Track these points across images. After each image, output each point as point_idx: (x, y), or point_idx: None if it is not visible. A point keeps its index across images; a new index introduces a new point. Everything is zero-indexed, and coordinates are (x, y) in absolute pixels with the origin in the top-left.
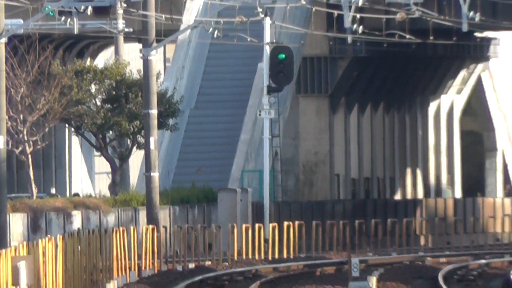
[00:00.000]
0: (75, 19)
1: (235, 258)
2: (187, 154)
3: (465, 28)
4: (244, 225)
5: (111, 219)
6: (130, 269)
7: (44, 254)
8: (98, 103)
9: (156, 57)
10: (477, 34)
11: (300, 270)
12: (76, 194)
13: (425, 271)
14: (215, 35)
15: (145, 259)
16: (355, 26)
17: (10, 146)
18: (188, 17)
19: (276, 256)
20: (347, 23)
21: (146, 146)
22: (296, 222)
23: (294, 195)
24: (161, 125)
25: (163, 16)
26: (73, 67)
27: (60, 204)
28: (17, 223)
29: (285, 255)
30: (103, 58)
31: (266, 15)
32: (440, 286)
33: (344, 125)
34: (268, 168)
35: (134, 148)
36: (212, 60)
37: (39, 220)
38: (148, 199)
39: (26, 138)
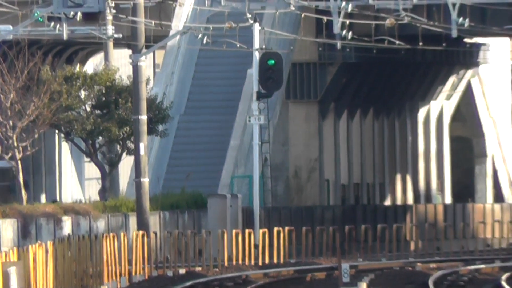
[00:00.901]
0: (64, 25)
1: (225, 263)
2: (176, 160)
3: (454, 34)
4: (234, 231)
5: (101, 224)
6: (120, 274)
7: (34, 259)
8: (88, 109)
9: (146, 63)
10: (467, 40)
11: (290, 275)
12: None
13: (415, 277)
14: (204, 41)
15: (136, 264)
16: (344, 32)
17: None
18: (177, 23)
19: (266, 261)
20: (337, 29)
21: (135, 152)
22: (286, 228)
23: (283, 201)
24: (151, 131)
25: (152, 22)
26: (63, 73)
27: (50, 209)
28: (7, 229)
29: (275, 261)
30: (93, 64)
31: (255, 21)
32: None
33: (333, 131)
34: (258, 174)
35: (124, 154)
36: (202, 66)
37: (29, 225)
38: (138, 204)
39: (15, 144)
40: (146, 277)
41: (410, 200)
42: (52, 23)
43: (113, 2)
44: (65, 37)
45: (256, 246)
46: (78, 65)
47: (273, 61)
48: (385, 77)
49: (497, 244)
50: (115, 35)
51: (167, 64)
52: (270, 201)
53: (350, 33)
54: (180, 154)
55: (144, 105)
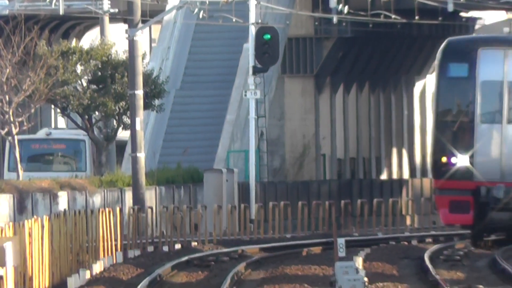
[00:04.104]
0: (60, 0)
1: (221, 238)
2: (172, 134)
3: (450, 8)
4: (230, 206)
5: (97, 199)
6: (116, 249)
7: (30, 235)
8: (84, 84)
9: (142, 38)
10: (463, 14)
11: (286, 250)
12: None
13: (411, 251)
14: (200, 16)
15: (131, 239)
16: (340, 6)
17: None
18: None
19: (262, 236)
20: (333, 3)
21: (132, 127)
22: (282, 203)
23: (280, 176)
24: (147, 106)
25: None
26: (59, 47)
27: (46, 185)
28: (3, 204)
29: (271, 235)
30: (89, 39)
31: None
32: (426, 266)
33: (329, 105)
34: (254, 149)
35: (120, 128)
36: (198, 41)
37: (25, 201)
38: (134, 179)
39: (12, 119)
40: (142, 252)
41: (406, 174)
42: None
43: None
44: (61, 12)
45: (252, 221)
46: (74, 40)
47: (269, 36)
48: (381, 51)
49: None
50: (111, 10)
51: (163, 38)
52: (266, 176)
53: (346, 7)
54: (176, 129)
55: (140, 80)
